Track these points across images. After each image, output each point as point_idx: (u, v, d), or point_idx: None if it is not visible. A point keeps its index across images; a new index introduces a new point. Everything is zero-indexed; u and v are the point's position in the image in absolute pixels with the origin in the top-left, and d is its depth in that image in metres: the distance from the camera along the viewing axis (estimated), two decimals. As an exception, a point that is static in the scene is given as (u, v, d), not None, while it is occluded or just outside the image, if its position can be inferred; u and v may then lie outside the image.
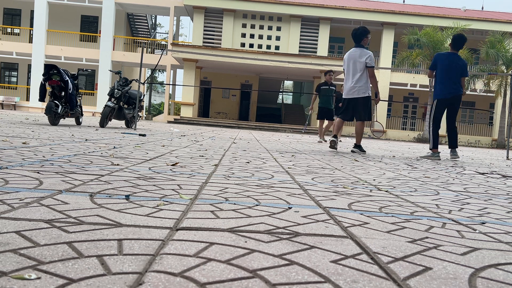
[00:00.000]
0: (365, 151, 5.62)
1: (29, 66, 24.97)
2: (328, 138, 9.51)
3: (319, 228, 1.16)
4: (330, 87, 8.88)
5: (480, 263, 0.93)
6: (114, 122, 11.18)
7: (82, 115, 7.83)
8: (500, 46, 20.57)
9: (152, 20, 31.69)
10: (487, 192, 2.28)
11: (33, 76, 23.28)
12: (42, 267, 0.72)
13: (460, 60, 5.63)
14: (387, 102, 24.44)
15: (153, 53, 25.88)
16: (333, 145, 5.69)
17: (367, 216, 1.38)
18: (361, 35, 5.49)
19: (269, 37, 24.01)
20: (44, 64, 9.09)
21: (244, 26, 23.96)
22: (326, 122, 9.50)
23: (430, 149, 5.68)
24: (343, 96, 5.69)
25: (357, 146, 5.59)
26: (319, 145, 7.52)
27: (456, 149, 5.80)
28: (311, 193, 1.78)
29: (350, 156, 4.72)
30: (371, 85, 5.51)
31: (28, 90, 25.78)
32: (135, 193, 1.49)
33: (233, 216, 1.23)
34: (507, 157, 7.39)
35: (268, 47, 23.93)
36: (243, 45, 23.86)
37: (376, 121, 6.21)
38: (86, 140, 4.09)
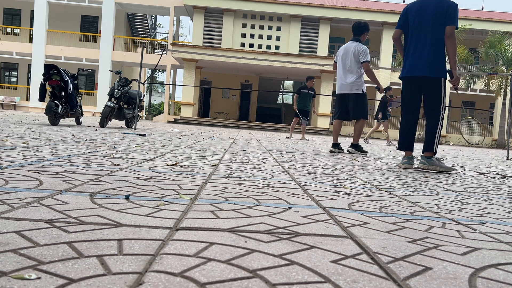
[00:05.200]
0: (366, 152, 5.38)
1: (29, 66, 24.97)
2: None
3: (319, 228, 1.16)
4: (309, 91, 9.88)
5: (480, 263, 0.93)
6: (114, 122, 11.18)
7: (82, 115, 7.83)
8: (500, 46, 20.57)
9: (152, 20, 31.68)
10: (487, 192, 2.28)
11: (33, 76, 23.28)
12: (42, 267, 0.72)
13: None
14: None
15: (153, 53, 25.88)
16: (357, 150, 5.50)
17: (367, 216, 1.38)
18: (363, 29, 5.32)
19: (269, 37, 24.01)
20: (44, 64, 9.09)
21: (244, 26, 23.96)
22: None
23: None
24: (337, 92, 5.41)
25: (354, 145, 5.39)
26: (319, 145, 7.52)
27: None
28: (311, 193, 1.78)
29: (350, 156, 4.72)
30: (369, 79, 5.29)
31: (28, 90, 25.78)
32: (135, 193, 1.49)
33: (233, 216, 1.23)
34: (507, 157, 7.39)
35: (268, 47, 23.93)
36: (243, 45, 23.85)
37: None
38: (86, 140, 4.09)
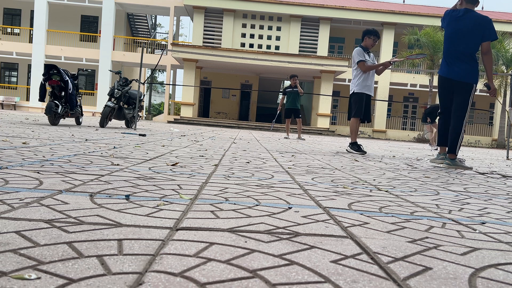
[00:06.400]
0: (364, 152, 5.35)
1: (29, 66, 24.98)
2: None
3: (319, 228, 1.16)
4: (294, 89, 10.08)
5: (480, 263, 0.93)
6: (114, 122, 11.18)
7: (82, 115, 7.83)
8: (500, 46, 20.58)
9: (152, 20, 31.69)
10: (487, 192, 2.28)
11: (33, 76, 23.28)
12: (42, 267, 0.72)
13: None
14: (387, 102, 24.44)
15: (153, 53, 25.88)
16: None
17: (367, 216, 1.38)
18: (363, 34, 5.56)
19: (269, 37, 24.02)
20: (44, 64, 9.10)
21: (244, 26, 23.96)
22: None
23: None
24: None
25: (353, 144, 5.42)
26: (319, 145, 7.52)
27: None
28: (311, 193, 1.78)
29: (350, 156, 4.72)
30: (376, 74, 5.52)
31: (28, 90, 25.78)
32: (135, 193, 1.49)
33: (233, 216, 1.23)
34: (507, 157, 7.39)
35: (268, 47, 23.93)
36: (243, 45, 23.86)
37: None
38: (86, 140, 4.09)
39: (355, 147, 5.40)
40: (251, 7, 23.17)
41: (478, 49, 3.91)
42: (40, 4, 23.42)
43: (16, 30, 26.84)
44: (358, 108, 5.42)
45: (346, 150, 5.54)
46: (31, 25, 25.05)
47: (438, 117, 4.22)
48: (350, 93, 5.52)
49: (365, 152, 5.39)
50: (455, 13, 3.97)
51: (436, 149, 10.50)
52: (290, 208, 1.42)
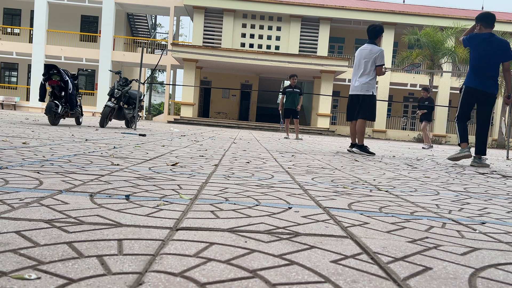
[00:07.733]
0: (373, 153, 5.34)
1: (29, 66, 24.98)
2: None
3: (319, 228, 1.16)
4: (294, 90, 9.96)
5: (480, 263, 0.93)
6: (114, 122, 11.18)
7: (82, 115, 7.83)
8: (500, 46, 20.54)
9: (152, 20, 31.69)
10: (487, 192, 2.28)
11: (33, 76, 23.28)
12: (42, 267, 0.72)
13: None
14: (387, 102, 24.44)
15: (153, 53, 25.88)
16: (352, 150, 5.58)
17: (367, 216, 1.38)
18: (378, 32, 5.47)
19: (269, 37, 24.01)
20: (44, 64, 9.10)
21: (244, 26, 23.96)
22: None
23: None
24: (349, 93, 5.55)
25: (360, 146, 5.40)
26: (319, 145, 7.52)
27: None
28: (311, 193, 1.78)
29: (350, 156, 4.72)
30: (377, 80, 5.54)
31: (28, 90, 25.78)
32: (135, 193, 1.49)
33: (233, 216, 1.23)
34: (507, 157, 7.39)
35: (268, 47, 23.93)
36: (243, 45, 23.85)
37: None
38: (86, 140, 4.09)
39: (364, 148, 5.40)
40: (251, 7, 23.17)
41: (500, 66, 4.71)
42: (40, 4, 23.42)
43: (16, 30, 26.84)
44: (375, 111, 5.50)
45: (354, 151, 5.44)
46: (31, 25, 25.04)
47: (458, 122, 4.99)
48: (368, 94, 5.37)
49: (374, 154, 5.37)
50: (482, 36, 4.73)
51: (428, 148, 10.55)
52: (290, 208, 1.42)
